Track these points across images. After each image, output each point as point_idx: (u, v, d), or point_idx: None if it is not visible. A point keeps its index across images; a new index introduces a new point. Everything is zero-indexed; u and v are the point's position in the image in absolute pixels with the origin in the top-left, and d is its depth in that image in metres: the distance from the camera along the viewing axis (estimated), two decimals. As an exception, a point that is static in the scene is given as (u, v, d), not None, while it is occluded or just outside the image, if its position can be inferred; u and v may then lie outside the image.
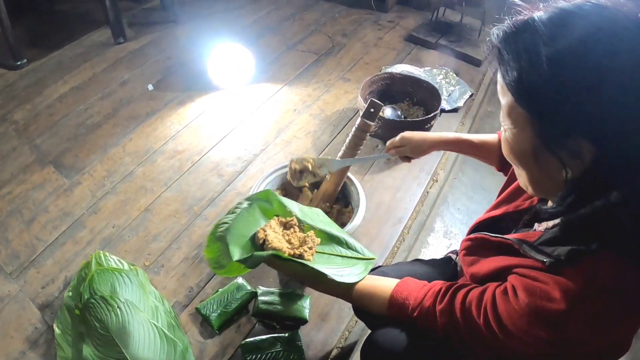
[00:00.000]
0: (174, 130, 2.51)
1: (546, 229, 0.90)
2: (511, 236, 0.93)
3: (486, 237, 1.01)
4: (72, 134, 2.46)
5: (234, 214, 1.32)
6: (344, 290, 1.15)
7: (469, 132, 2.81)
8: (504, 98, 0.81)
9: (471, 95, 2.94)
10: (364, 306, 1.14)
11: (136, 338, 1.46)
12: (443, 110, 2.76)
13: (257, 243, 1.21)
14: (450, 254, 1.53)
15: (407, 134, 1.51)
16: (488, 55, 0.83)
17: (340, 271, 1.19)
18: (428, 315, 0.99)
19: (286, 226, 1.28)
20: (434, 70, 3.05)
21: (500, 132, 0.89)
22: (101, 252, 1.71)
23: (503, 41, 0.79)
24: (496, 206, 1.15)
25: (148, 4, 3.77)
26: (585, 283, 0.74)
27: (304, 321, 1.64)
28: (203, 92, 2.80)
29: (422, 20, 3.72)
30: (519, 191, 1.07)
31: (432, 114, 2.36)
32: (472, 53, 3.32)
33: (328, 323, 1.69)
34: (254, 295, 1.69)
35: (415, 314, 1.01)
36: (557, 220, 0.87)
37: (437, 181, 2.43)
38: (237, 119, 2.62)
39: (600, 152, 0.71)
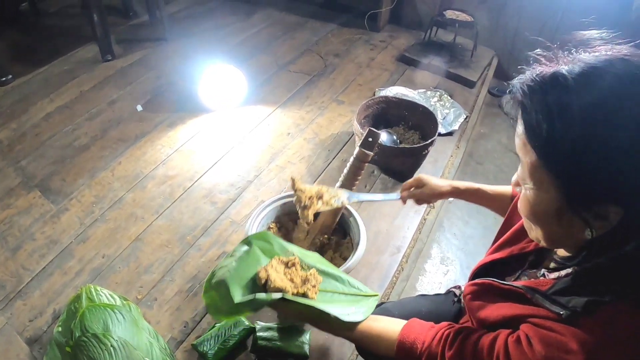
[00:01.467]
0: (164, 154, 2.47)
1: (558, 277, 0.88)
2: (521, 284, 0.91)
3: (494, 283, 0.99)
4: (59, 155, 2.41)
5: (232, 257, 1.30)
6: (348, 331, 1.11)
7: (463, 154, 2.81)
8: (526, 157, 0.78)
9: (466, 118, 2.94)
10: (369, 348, 1.11)
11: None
12: (439, 134, 2.75)
13: (259, 284, 1.17)
14: (453, 289, 1.52)
15: (424, 177, 1.49)
16: (507, 109, 0.82)
17: (346, 310, 1.16)
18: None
19: (287, 265, 1.25)
20: (428, 93, 3.05)
21: (514, 186, 0.88)
22: (92, 286, 1.66)
23: (528, 96, 0.76)
24: (499, 248, 1.13)
25: (136, 20, 3.74)
26: (603, 334, 0.73)
27: (304, 357, 1.61)
28: (194, 113, 2.77)
29: (414, 40, 3.73)
30: (524, 232, 1.03)
31: (430, 140, 2.35)
32: (465, 74, 3.33)
33: (329, 359, 1.67)
34: (252, 330, 1.66)
35: (423, 359, 1.00)
36: (569, 270, 0.86)
37: (434, 207, 2.42)
38: (229, 142, 2.59)
39: (628, 214, 0.71)
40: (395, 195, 1.56)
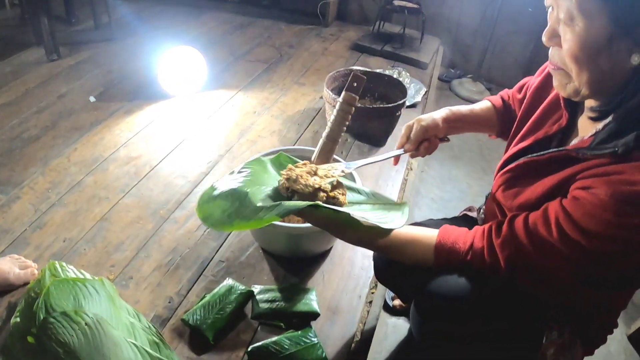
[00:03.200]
0: (124, 138, 2.11)
1: (596, 132, 0.82)
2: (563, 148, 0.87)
3: (532, 159, 0.93)
4: (6, 148, 2.00)
5: (239, 174, 1.03)
6: (382, 239, 0.97)
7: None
8: None
9: (426, 92, 2.76)
10: (405, 256, 0.98)
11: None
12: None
13: (282, 189, 0.98)
14: (466, 212, 1.35)
15: (419, 116, 1.25)
16: None
17: (381, 217, 0.98)
18: (485, 254, 0.89)
19: (309, 173, 1.00)
20: (387, 71, 2.85)
21: (548, 41, 0.83)
22: (55, 262, 1.30)
23: None
24: (522, 138, 1.04)
25: (80, 26, 3.36)
26: None
27: (314, 315, 1.30)
28: (152, 100, 2.42)
29: (363, 33, 3.56)
30: (544, 118, 1.01)
31: (401, 101, 2.13)
32: (417, 57, 3.19)
33: (340, 316, 1.36)
34: (249, 295, 1.33)
35: (469, 257, 0.91)
36: (605, 122, 0.81)
37: (412, 169, 2.18)
38: (193, 123, 2.27)
39: None
40: (399, 150, 1.25)
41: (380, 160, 1.21)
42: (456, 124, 1.25)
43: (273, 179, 1.08)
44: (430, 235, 0.96)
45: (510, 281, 0.88)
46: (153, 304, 1.37)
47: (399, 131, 2.19)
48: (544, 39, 0.84)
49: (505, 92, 1.27)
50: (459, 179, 2.49)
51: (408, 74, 2.84)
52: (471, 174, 2.60)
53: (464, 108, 1.27)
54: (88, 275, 1.30)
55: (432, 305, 0.98)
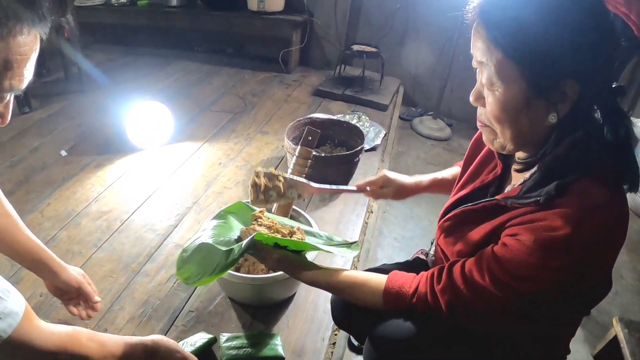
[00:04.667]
0: (95, 192, 2.22)
1: (524, 182, 0.91)
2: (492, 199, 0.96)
3: (467, 208, 1.01)
4: (-21, 205, 2.10)
5: (204, 231, 1.18)
6: (334, 278, 1.08)
7: (389, 168, 2.78)
8: (492, 59, 0.83)
9: (385, 135, 2.94)
10: (356, 297, 1.07)
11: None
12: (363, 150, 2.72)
13: (242, 236, 1.16)
14: (418, 254, 1.46)
15: (390, 174, 1.39)
16: (469, 19, 0.88)
17: (334, 250, 1.17)
18: (428, 299, 0.97)
19: (270, 228, 1.16)
20: (347, 116, 3.03)
21: (474, 102, 0.92)
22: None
23: (488, 5, 0.84)
24: (462, 187, 1.14)
25: (50, 77, 3.49)
26: (580, 205, 0.79)
27: (279, 359, 1.43)
28: (122, 154, 2.55)
29: (324, 77, 3.76)
30: (481, 168, 1.10)
31: (359, 147, 2.30)
32: (377, 99, 3.38)
33: (305, 358, 1.47)
34: (212, 342, 1.44)
35: (414, 300, 0.99)
36: (532, 171, 0.91)
37: (372, 212, 2.34)
38: (162, 176, 2.39)
39: (584, 89, 0.79)
40: (355, 188, 1.39)
41: (337, 190, 1.46)
42: (428, 191, 1.40)
43: (235, 228, 1.23)
44: (379, 279, 1.04)
45: (454, 322, 0.97)
46: (127, 354, 1.47)
47: (358, 176, 2.36)
48: (471, 99, 0.92)
49: None
50: (420, 217, 2.65)
51: (367, 117, 3.02)
52: (433, 211, 2.74)
53: (437, 177, 1.39)
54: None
55: (380, 346, 1.07)
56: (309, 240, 1.22)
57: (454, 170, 1.39)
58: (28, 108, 2.91)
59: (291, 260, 1.10)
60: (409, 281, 1.02)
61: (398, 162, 3.12)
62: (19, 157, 2.46)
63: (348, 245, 1.20)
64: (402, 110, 3.76)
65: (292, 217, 1.70)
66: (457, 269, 0.95)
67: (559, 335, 1.05)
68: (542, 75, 0.80)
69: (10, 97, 0.80)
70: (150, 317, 1.59)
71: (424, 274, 1.02)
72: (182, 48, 4.35)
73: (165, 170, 2.45)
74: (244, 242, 1.04)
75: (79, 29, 3.25)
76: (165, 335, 1.51)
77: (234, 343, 1.43)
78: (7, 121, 0.85)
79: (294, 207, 1.70)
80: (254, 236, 1.04)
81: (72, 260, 1.81)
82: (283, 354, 1.43)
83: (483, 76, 0.87)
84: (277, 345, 1.44)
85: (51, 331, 0.89)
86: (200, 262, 1.08)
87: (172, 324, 1.57)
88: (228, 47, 4.30)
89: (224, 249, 1.05)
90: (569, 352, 1.09)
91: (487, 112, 0.89)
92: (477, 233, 0.96)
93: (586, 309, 0.99)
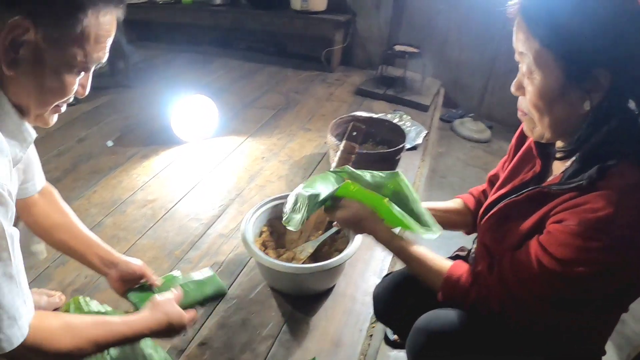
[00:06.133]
0: (141, 182, 2.29)
1: (566, 168, 0.93)
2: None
3: (510, 201, 1.03)
4: (30, 191, 2.19)
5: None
6: (408, 248, 1.10)
7: (429, 168, 2.77)
8: (530, 49, 0.87)
9: (426, 134, 2.93)
10: (419, 270, 1.09)
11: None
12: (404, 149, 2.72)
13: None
14: (458, 253, 1.45)
15: None
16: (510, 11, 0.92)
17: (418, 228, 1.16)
18: (480, 292, 0.99)
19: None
20: (389, 115, 3.04)
21: (515, 91, 0.96)
22: (80, 297, 1.45)
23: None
24: (501, 186, 1.15)
25: (98, 72, 3.59)
26: (620, 185, 0.82)
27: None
28: (167, 146, 2.62)
29: (366, 77, 3.77)
30: (520, 166, 1.12)
31: (401, 145, 2.30)
32: (418, 100, 3.37)
33: (342, 348, 1.49)
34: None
35: (469, 293, 1.00)
36: (572, 159, 0.92)
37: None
38: (206, 168, 2.45)
39: (615, 78, 0.82)
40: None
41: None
42: None
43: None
44: (445, 263, 1.06)
45: (503, 319, 0.97)
46: (168, 337, 1.51)
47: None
48: (512, 89, 0.96)
49: (475, 189, 1.36)
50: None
51: (409, 117, 3.03)
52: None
53: (432, 205, 1.34)
54: (109, 309, 1.45)
55: (419, 341, 1.08)
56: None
57: (450, 203, 1.37)
58: (74, 100, 3.01)
59: (371, 214, 1.13)
60: (466, 273, 1.03)
61: (438, 163, 3.10)
62: (66, 147, 2.56)
63: (428, 228, 1.18)
64: (442, 112, 3.74)
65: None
66: (505, 262, 0.96)
67: (598, 332, 1.05)
68: (576, 63, 0.83)
69: (91, 70, 0.95)
70: (192, 302, 1.63)
71: (477, 268, 1.04)
72: (224, 46, 4.45)
73: (209, 162, 2.51)
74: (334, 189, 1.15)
75: (126, 26, 3.35)
76: (206, 320, 1.56)
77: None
78: (86, 93, 1.00)
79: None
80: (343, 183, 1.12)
81: (117, 246, 1.87)
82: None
83: (523, 66, 0.92)
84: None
85: (61, 330, 0.92)
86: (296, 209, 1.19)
87: (213, 309, 1.60)
88: (270, 45, 4.36)
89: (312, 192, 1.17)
90: (604, 352, 1.08)
91: (526, 100, 0.94)
92: (524, 225, 0.97)
93: (627, 301, 0.98)
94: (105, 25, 0.88)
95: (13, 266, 0.80)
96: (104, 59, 0.94)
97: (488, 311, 0.98)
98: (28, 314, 0.85)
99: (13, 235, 0.80)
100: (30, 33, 0.78)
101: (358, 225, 1.16)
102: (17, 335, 0.82)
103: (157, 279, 1.44)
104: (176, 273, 1.57)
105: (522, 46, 0.90)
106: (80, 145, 2.59)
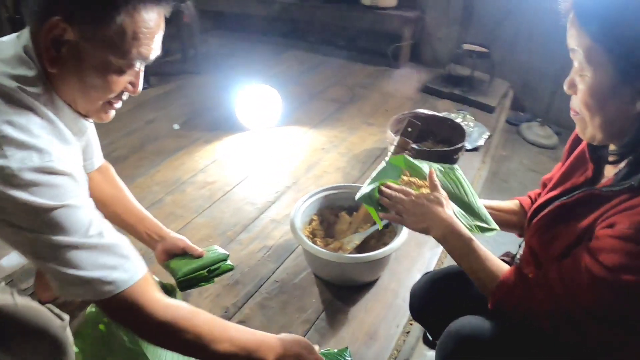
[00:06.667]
0: (202, 164, 2.40)
1: (618, 170, 0.91)
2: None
3: (562, 202, 1.00)
4: (98, 165, 2.34)
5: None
6: (467, 241, 1.05)
7: (488, 173, 2.71)
8: (581, 46, 0.85)
9: (489, 136, 2.87)
10: (474, 267, 1.04)
11: (170, 354, 1.29)
12: (465, 149, 2.68)
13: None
14: (503, 257, 1.39)
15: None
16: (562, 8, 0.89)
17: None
18: (528, 305, 0.94)
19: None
20: (452, 114, 3.00)
21: (568, 90, 0.94)
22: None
23: None
24: (552, 188, 1.11)
25: (169, 57, 3.77)
26: None
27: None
28: (230, 132, 2.72)
29: (433, 75, 3.73)
30: (572, 170, 1.08)
31: (460, 144, 2.27)
32: (484, 100, 3.30)
33: (377, 341, 1.50)
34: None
35: (522, 303, 0.95)
36: (625, 162, 0.90)
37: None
38: (265, 155, 2.53)
39: None
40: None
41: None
42: None
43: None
44: (502, 266, 1.01)
45: (553, 336, 0.92)
46: (211, 311, 1.53)
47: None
48: (565, 87, 0.94)
49: (533, 192, 1.32)
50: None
51: (472, 117, 2.97)
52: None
53: (488, 203, 1.33)
54: (157, 279, 1.53)
55: (449, 345, 1.06)
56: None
57: (505, 202, 1.35)
58: (147, 84, 3.17)
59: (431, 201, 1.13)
60: (521, 283, 0.97)
61: (500, 167, 3.02)
62: (135, 127, 2.71)
63: (483, 229, 1.17)
64: (509, 115, 3.64)
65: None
66: (553, 273, 0.91)
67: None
68: (627, 60, 0.81)
69: (140, 67, 0.92)
70: (237, 281, 1.69)
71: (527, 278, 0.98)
72: (295, 38, 4.51)
73: (270, 150, 2.58)
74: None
75: (199, 15, 3.49)
76: (249, 299, 1.61)
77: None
78: (138, 91, 0.98)
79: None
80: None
81: (174, 222, 1.96)
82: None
83: (575, 63, 0.89)
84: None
85: (165, 303, 0.91)
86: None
87: (257, 290, 1.65)
88: (339, 39, 4.39)
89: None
90: None
91: (578, 99, 0.91)
92: (573, 229, 0.94)
93: None
94: (144, 22, 0.85)
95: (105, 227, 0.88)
96: (152, 56, 0.91)
97: (538, 326, 0.93)
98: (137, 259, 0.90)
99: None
100: (69, 33, 0.81)
101: (414, 214, 1.14)
102: (137, 268, 0.88)
103: (199, 250, 1.46)
104: (216, 247, 1.59)
105: (574, 42, 0.87)
106: (148, 127, 2.73)
